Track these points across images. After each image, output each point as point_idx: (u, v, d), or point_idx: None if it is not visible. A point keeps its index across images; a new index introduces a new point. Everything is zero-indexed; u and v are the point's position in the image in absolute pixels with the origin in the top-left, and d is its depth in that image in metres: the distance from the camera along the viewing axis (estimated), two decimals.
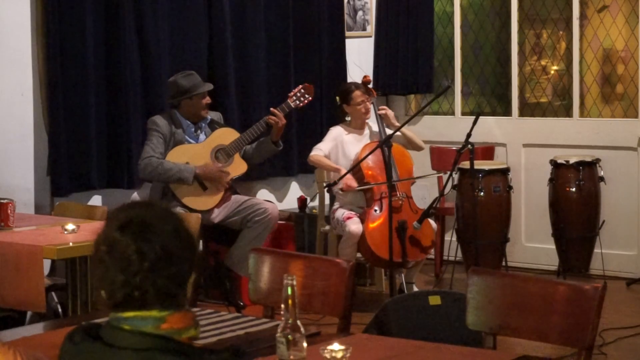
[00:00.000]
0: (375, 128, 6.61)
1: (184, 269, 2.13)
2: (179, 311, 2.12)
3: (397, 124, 6.55)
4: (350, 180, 6.33)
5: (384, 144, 5.99)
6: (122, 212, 2.14)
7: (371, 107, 6.59)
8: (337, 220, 6.46)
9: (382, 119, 6.59)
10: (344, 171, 6.33)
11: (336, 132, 6.59)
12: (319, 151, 6.51)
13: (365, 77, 6.80)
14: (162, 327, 2.09)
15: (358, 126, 6.61)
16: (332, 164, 6.45)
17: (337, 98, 6.67)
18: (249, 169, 6.50)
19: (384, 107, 6.78)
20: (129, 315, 2.10)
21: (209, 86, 6.33)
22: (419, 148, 6.69)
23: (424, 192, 7.71)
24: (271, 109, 6.37)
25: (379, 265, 6.62)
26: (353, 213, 6.44)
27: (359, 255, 6.42)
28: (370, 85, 6.73)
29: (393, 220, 5.93)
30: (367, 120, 6.60)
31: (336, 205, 6.61)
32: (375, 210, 6.35)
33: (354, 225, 6.31)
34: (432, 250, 6.70)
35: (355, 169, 6.33)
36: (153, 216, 2.13)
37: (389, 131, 6.49)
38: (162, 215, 2.14)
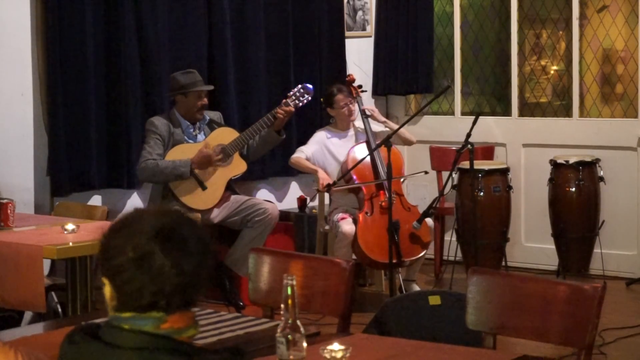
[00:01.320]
0: (360, 127, 6.60)
1: (207, 279, 2.14)
2: (179, 311, 2.11)
3: (384, 119, 6.64)
4: (324, 180, 6.35)
5: (383, 143, 5.99)
6: (155, 220, 2.10)
7: (356, 106, 6.60)
8: (333, 221, 6.47)
9: (367, 118, 6.58)
10: (320, 172, 6.42)
11: (319, 136, 6.62)
12: (301, 153, 6.57)
13: (349, 76, 6.81)
14: (163, 326, 2.08)
15: (344, 127, 6.63)
16: (310, 165, 6.52)
17: (322, 100, 6.69)
18: (251, 165, 6.49)
19: (369, 107, 6.75)
20: (129, 315, 2.09)
21: (208, 87, 6.33)
22: (410, 142, 6.70)
23: (423, 192, 7.70)
24: (281, 104, 6.32)
25: (374, 267, 6.62)
26: (348, 214, 6.44)
27: (353, 256, 6.41)
28: (357, 84, 6.70)
29: (385, 220, 5.91)
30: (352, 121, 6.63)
31: (333, 206, 6.61)
32: (367, 213, 6.34)
33: (347, 226, 6.31)
34: (432, 250, 6.68)
35: (343, 172, 6.35)
36: (188, 231, 2.10)
37: (375, 127, 6.52)
38: (193, 229, 2.12)
